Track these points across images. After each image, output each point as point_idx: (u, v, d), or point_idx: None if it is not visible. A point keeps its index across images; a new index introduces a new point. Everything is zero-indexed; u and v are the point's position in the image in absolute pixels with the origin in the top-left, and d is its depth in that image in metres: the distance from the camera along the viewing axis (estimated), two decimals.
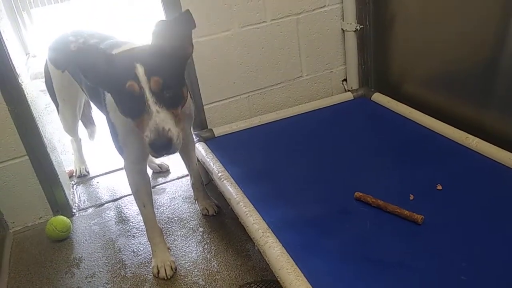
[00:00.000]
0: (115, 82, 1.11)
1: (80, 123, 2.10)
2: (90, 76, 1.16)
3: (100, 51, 1.16)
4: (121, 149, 1.41)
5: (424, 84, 1.88)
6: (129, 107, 1.13)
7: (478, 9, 1.52)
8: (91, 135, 2.24)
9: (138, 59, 1.10)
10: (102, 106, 1.38)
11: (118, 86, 1.11)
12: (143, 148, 1.39)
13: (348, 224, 1.30)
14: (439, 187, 1.38)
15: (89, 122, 2.22)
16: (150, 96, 1.08)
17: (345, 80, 2.21)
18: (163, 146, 1.07)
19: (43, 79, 1.94)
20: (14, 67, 1.64)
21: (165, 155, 1.14)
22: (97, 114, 2.00)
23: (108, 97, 1.32)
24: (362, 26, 2.03)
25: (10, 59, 1.63)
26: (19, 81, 1.67)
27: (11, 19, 4.10)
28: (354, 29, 2.04)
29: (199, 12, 1.81)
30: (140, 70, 1.08)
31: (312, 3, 2.00)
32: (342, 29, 2.09)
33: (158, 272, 1.50)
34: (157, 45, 1.15)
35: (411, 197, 1.36)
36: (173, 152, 1.11)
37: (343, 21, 2.08)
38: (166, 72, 1.11)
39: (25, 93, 1.70)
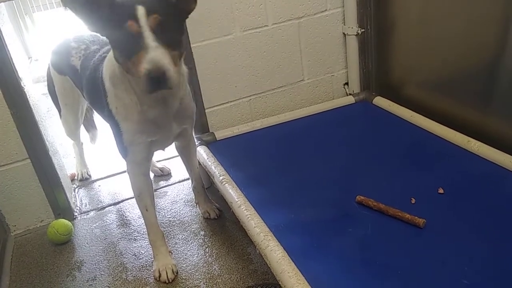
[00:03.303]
0: (114, 23, 1.12)
1: (82, 127, 2.10)
2: (91, 21, 1.16)
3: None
4: (125, 151, 1.41)
5: (426, 87, 1.89)
6: (126, 47, 1.13)
7: (480, 12, 1.52)
8: (93, 139, 2.25)
9: (140, 2, 1.11)
10: (104, 108, 1.38)
11: (117, 27, 1.11)
12: (148, 148, 1.40)
13: (350, 227, 1.30)
14: (441, 190, 1.38)
15: (90, 126, 2.22)
16: (149, 34, 1.09)
17: (347, 83, 2.22)
18: (158, 78, 1.07)
19: (45, 83, 1.95)
20: (16, 70, 1.65)
21: (158, 89, 1.13)
22: (99, 118, 2.01)
23: (111, 95, 1.33)
24: (363, 30, 2.04)
25: (13, 62, 1.64)
26: (22, 84, 1.68)
27: (14, 23, 4.12)
28: (356, 33, 2.05)
29: (200, 16, 1.82)
30: (140, 11, 1.09)
31: (313, 7, 2.01)
32: (343, 33, 2.10)
33: (160, 276, 1.50)
34: None
35: (413, 200, 1.36)
36: (167, 88, 1.11)
37: (344, 25, 2.08)
38: (166, 14, 1.12)
39: (28, 97, 1.70)
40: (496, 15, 1.47)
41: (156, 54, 1.08)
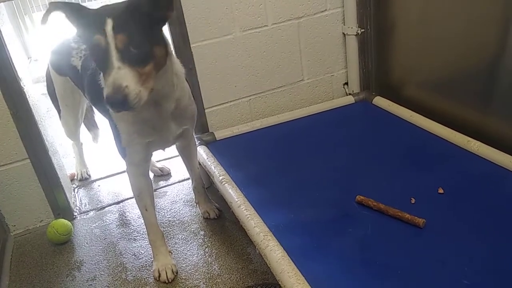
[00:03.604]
0: (87, 35, 1.13)
1: (83, 127, 2.10)
2: (76, 28, 1.18)
3: (78, 6, 1.17)
4: (123, 151, 1.41)
5: (425, 87, 1.89)
6: (97, 62, 1.15)
7: (479, 12, 1.52)
8: (95, 138, 2.25)
9: (110, 14, 1.10)
10: (105, 108, 1.38)
11: (89, 40, 1.12)
12: (146, 148, 1.40)
13: (350, 227, 1.30)
14: (441, 190, 1.38)
15: (92, 126, 2.22)
16: (115, 52, 1.08)
17: (346, 83, 2.22)
18: (117, 102, 1.07)
19: (45, 83, 1.94)
20: (16, 71, 1.65)
21: (122, 110, 1.13)
22: (100, 117, 2.01)
23: None
24: (363, 30, 2.04)
25: (12, 63, 1.64)
26: (21, 84, 1.68)
27: (13, 23, 4.11)
28: (355, 33, 2.05)
29: (200, 16, 1.82)
30: (109, 26, 1.08)
31: (313, 7, 2.01)
32: (343, 33, 2.10)
33: (159, 276, 1.50)
34: (135, 2, 1.13)
35: (413, 200, 1.36)
36: (130, 109, 1.11)
37: (344, 25, 2.08)
38: (136, 29, 1.10)
39: (27, 97, 1.70)
40: (496, 16, 1.47)
41: (116, 77, 1.07)
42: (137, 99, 1.09)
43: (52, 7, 1.16)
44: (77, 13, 1.16)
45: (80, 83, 1.63)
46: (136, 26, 1.11)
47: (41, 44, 4.37)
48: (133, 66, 1.09)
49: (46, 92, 1.95)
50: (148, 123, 1.34)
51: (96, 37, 1.09)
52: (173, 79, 1.32)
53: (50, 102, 1.97)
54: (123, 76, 1.08)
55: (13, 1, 4.21)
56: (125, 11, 1.11)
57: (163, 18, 1.18)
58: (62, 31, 1.80)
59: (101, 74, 1.17)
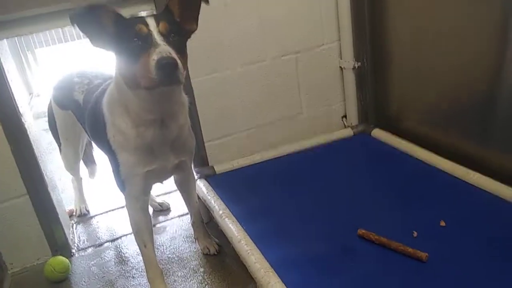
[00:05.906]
0: (123, 32, 1.16)
1: (81, 162, 2.10)
2: (95, 37, 1.19)
3: (108, 10, 1.18)
4: (122, 184, 1.40)
5: (423, 119, 1.90)
6: (134, 51, 1.14)
7: (476, 44, 1.54)
8: (92, 173, 2.24)
9: (148, 16, 1.19)
10: (103, 139, 1.38)
11: (126, 34, 1.15)
12: (145, 180, 1.39)
13: (352, 262, 1.28)
14: (443, 223, 1.37)
15: (89, 161, 2.22)
16: (158, 35, 1.13)
17: (345, 116, 2.23)
18: (169, 65, 1.08)
19: (46, 118, 1.96)
20: (17, 106, 1.66)
21: (169, 83, 1.13)
22: (98, 153, 2.01)
23: (109, 124, 1.34)
24: (359, 63, 2.07)
25: (14, 99, 1.65)
26: (22, 120, 1.69)
27: (16, 58, 4.18)
28: (352, 67, 2.08)
29: (201, 51, 1.85)
30: (150, 19, 1.16)
31: (310, 42, 2.05)
32: (340, 66, 2.13)
33: None
34: (166, 10, 1.23)
35: (415, 234, 1.34)
36: (177, 80, 1.12)
37: (341, 59, 2.12)
38: (174, 24, 1.19)
39: (28, 132, 1.71)
40: (495, 47, 1.49)
41: (165, 47, 1.11)
42: (182, 70, 1.13)
43: (75, 20, 1.16)
44: (104, 19, 1.17)
45: (82, 116, 1.65)
46: (173, 22, 1.20)
47: (43, 80, 4.43)
48: (174, 49, 1.13)
49: (47, 127, 1.96)
50: (148, 148, 1.33)
51: (138, 26, 1.14)
52: (181, 100, 1.35)
53: (51, 137, 1.98)
54: (169, 49, 1.12)
55: (15, 38, 4.29)
56: (161, 13, 1.23)
57: (189, 30, 1.27)
58: (63, 68, 1.83)
59: (138, 63, 1.14)
